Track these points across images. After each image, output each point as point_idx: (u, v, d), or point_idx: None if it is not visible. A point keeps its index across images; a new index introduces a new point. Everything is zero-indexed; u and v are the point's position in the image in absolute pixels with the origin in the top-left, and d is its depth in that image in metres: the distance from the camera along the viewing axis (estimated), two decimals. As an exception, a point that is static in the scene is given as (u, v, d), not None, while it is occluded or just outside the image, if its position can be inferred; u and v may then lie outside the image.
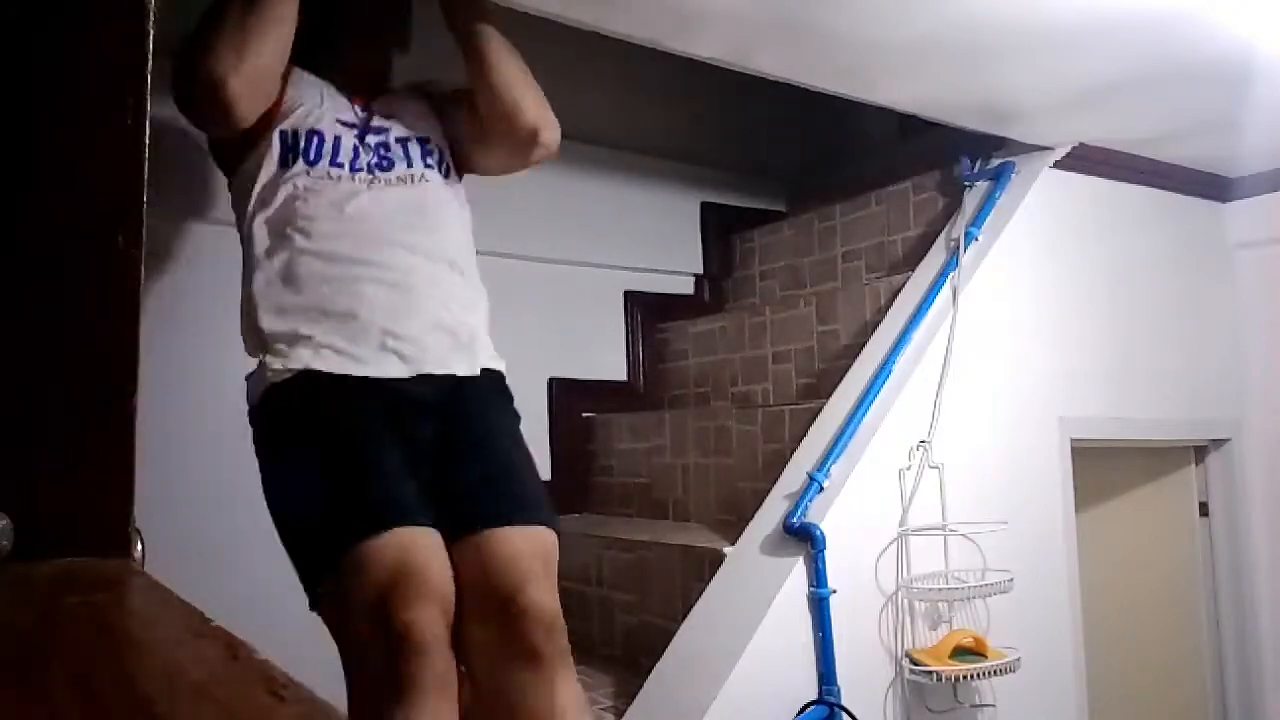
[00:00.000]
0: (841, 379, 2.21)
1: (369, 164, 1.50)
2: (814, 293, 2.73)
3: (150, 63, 0.60)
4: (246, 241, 1.46)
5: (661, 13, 1.68)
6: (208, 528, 1.96)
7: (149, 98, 0.61)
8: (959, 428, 2.15)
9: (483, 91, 1.57)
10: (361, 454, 1.31)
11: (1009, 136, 2.42)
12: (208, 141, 1.55)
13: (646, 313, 2.98)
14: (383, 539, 1.19)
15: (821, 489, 1.95)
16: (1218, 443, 2.81)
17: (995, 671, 1.92)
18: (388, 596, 1.16)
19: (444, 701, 1.16)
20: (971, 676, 1.92)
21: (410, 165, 1.53)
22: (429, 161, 1.56)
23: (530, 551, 1.29)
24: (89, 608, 0.56)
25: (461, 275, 1.52)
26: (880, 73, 2.02)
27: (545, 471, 2.67)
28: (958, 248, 2.29)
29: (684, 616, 1.91)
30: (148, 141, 0.63)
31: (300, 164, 1.45)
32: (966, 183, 2.46)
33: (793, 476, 2.03)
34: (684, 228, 3.10)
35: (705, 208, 3.14)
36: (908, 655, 1.96)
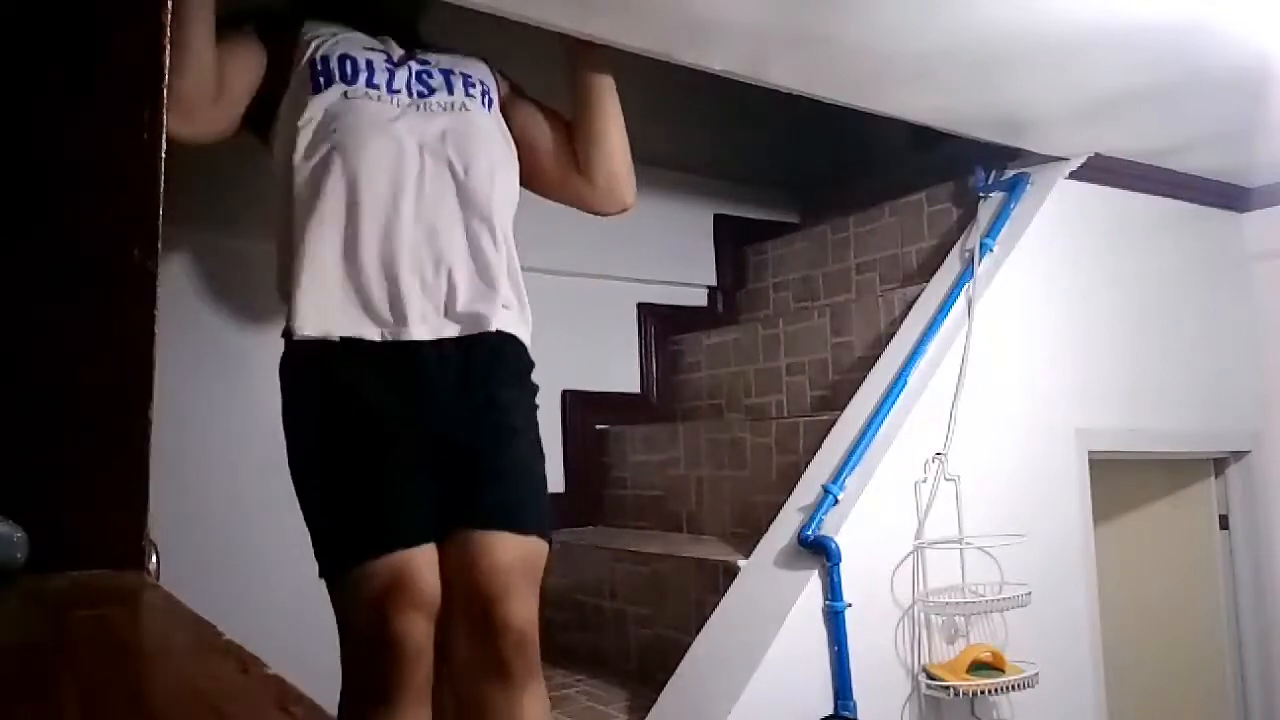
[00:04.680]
0: (856, 391, 2.19)
1: (407, 86, 1.43)
2: (828, 304, 2.72)
3: (167, 75, 0.60)
4: (285, 175, 1.39)
5: (675, 26, 1.68)
6: (222, 541, 1.96)
7: (165, 110, 0.61)
8: (975, 440, 2.13)
9: (590, 150, 1.60)
10: (372, 460, 1.31)
11: (1024, 147, 2.41)
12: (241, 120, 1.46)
13: (660, 325, 2.97)
14: (383, 560, 1.24)
15: (836, 502, 1.93)
16: (1237, 455, 2.78)
17: (1013, 686, 1.90)
18: (383, 607, 1.22)
19: (422, 708, 1.24)
20: (989, 691, 1.90)
21: (451, 93, 1.46)
22: (471, 92, 1.49)
23: (516, 564, 1.29)
24: (102, 621, 0.56)
25: (492, 226, 1.43)
26: (894, 84, 2.02)
27: (559, 484, 2.67)
28: (972, 259, 2.28)
29: (698, 630, 1.90)
30: (164, 155, 0.63)
31: (338, 84, 1.39)
32: (981, 194, 2.44)
33: (807, 489, 2.02)
34: (697, 240, 3.10)
35: (718, 220, 3.14)
36: (924, 670, 1.94)
